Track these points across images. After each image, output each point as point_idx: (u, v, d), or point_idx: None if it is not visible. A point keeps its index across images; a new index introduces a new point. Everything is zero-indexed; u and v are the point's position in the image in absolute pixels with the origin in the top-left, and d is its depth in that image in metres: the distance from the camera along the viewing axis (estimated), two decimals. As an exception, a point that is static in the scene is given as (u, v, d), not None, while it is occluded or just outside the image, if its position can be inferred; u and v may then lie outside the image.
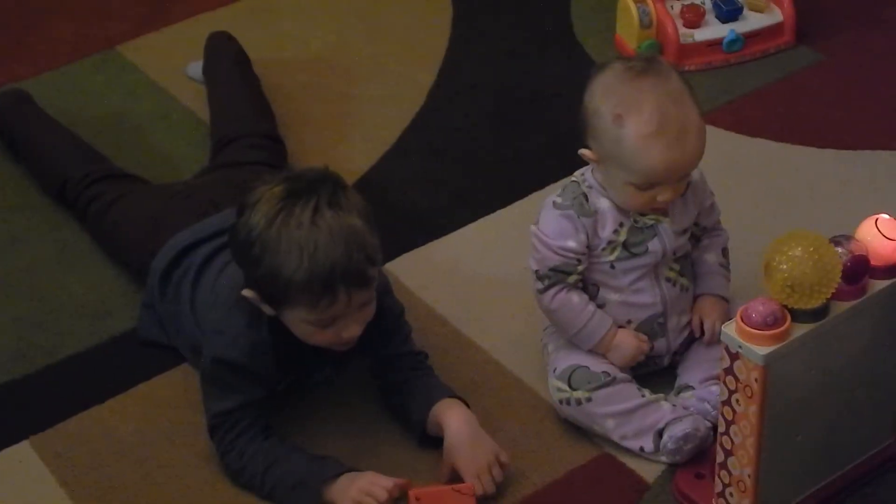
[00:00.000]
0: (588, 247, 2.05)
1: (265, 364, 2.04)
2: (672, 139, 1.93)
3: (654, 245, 2.05)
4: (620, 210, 2.03)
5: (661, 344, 2.13)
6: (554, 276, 2.07)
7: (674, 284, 2.11)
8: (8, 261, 2.48)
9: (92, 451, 2.11)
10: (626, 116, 1.94)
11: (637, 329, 2.11)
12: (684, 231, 2.08)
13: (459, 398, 2.08)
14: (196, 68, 2.82)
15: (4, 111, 2.70)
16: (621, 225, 2.04)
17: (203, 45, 2.82)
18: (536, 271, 2.08)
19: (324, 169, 2.01)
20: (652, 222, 2.04)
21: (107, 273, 2.42)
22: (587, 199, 2.04)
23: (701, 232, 2.14)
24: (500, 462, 1.98)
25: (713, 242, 2.14)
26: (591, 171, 2.05)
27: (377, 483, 1.95)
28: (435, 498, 1.96)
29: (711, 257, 2.14)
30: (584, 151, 2.03)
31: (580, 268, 2.06)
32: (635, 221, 2.04)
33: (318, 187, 1.93)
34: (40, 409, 2.18)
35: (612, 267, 2.07)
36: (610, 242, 2.04)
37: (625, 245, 2.05)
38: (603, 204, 2.04)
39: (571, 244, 2.04)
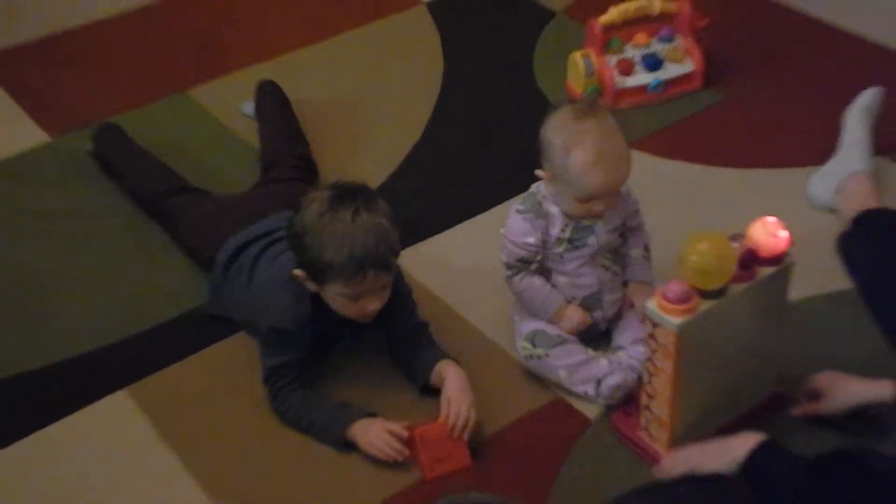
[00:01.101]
0: (543, 241, 2.07)
1: (305, 332, 2.06)
2: (607, 167, 1.97)
3: (591, 240, 2.08)
4: (566, 214, 2.06)
5: (598, 314, 2.16)
6: (519, 265, 2.10)
7: (607, 270, 2.14)
8: (105, 254, 2.48)
9: (175, 398, 2.13)
10: (573, 149, 1.96)
11: (581, 304, 2.14)
12: (614, 229, 2.11)
13: (455, 360, 2.10)
14: (249, 107, 2.82)
15: (103, 140, 2.70)
16: (567, 225, 2.07)
17: (254, 89, 2.81)
18: (506, 262, 2.11)
19: (362, 182, 2.05)
20: (590, 223, 2.07)
21: (182, 264, 2.42)
22: (542, 206, 2.07)
23: (628, 232, 2.16)
24: (474, 412, 2.00)
25: (637, 241, 2.17)
26: (545, 185, 2.08)
27: (389, 428, 1.98)
28: (433, 430, 1.97)
29: (637, 252, 2.17)
30: (539, 172, 2.06)
31: (538, 257, 2.09)
32: (577, 222, 2.07)
33: (358, 195, 1.97)
34: (134, 366, 2.19)
35: (561, 256, 2.10)
36: (559, 238, 2.07)
37: (570, 240, 2.08)
38: (553, 210, 2.07)
39: (531, 240, 2.07)
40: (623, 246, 2.17)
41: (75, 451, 2.05)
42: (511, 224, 2.09)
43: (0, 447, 2.05)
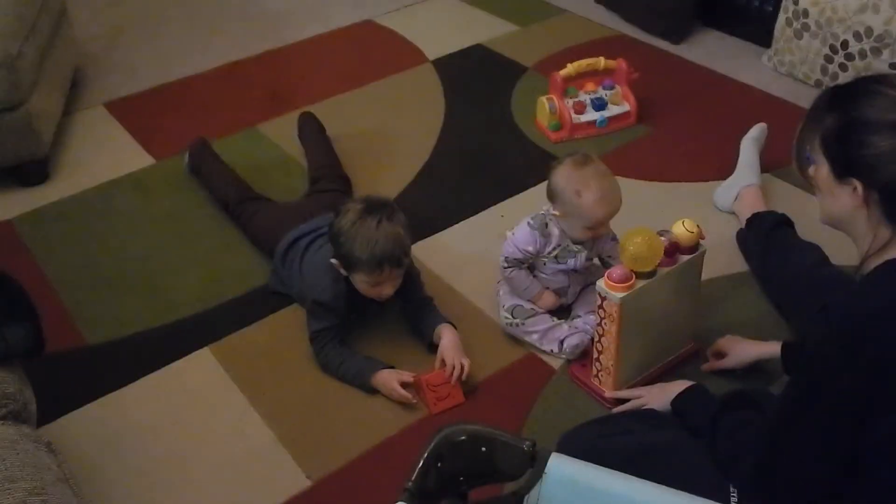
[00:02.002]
0: (538, 252, 2.02)
1: (341, 303, 2.02)
2: (608, 200, 1.93)
3: (571, 262, 2.03)
4: (562, 237, 2.00)
5: (564, 300, 2.11)
6: (514, 263, 2.04)
7: (576, 273, 2.08)
8: (195, 245, 2.44)
9: (248, 354, 2.10)
10: (582, 192, 1.92)
11: (554, 291, 2.09)
12: (591, 259, 2.06)
13: (452, 324, 2.05)
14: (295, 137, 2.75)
15: (196, 153, 2.63)
16: (559, 246, 2.01)
17: (297, 120, 2.78)
18: (506, 258, 2.05)
19: (386, 198, 2.02)
20: (576, 250, 2.02)
21: (250, 253, 2.38)
22: (547, 227, 2.01)
23: (608, 259, 2.09)
24: (465, 361, 1.95)
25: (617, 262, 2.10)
26: (556, 218, 2.00)
27: (400, 379, 1.94)
28: (435, 377, 1.94)
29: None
30: (552, 211, 1.99)
31: (530, 261, 2.03)
32: (567, 246, 2.01)
33: (383, 208, 1.93)
34: (216, 329, 2.16)
35: (545, 265, 2.04)
36: (549, 254, 2.02)
37: (556, 257, 2.02)
38: (555, 231, 2.01)
39: (530, 248, 2.01)
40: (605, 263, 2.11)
41: (170, 394, 2.02)
42: (519, 231, 2.03)
43: (114, 389, 2.03)
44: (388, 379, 1.94)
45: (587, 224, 1.95)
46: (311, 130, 2.73)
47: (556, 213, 1.99)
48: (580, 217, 1.94)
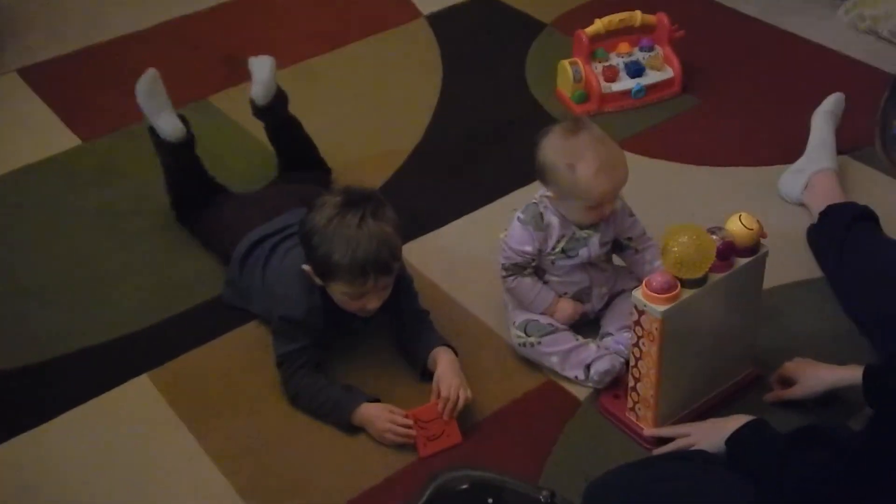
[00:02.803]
0: (540, 251, 2.02)
1: (316, 320, 2.02)
2: (609, 171, 1.92)
3: (583, 252, 2.02)
4: (564, 225, 2.00)
5: (588, 306, 2.11)
6: (513, 269, 2.04)
7: (597, 268, 2.08)
8: (132, 246, 2.44)
9: (192, 380, 2.09)
10: (577, 165, 1.91)
11: (572, 297, 2.09)
12: (606, 243, 2.05)
13: (450, 346, 2.05)
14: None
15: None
16: (563, 236, 2.01)
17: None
18: (503, 265, 2.05)
19: (372, 189, 2.00)
20: (586, 236, 2.01)
21: (201, 257, 2.37)
22: (542, 217, 2.00)
23: (632, 242, 2.09)
24: (464, 392, 1.95)
25: (648, 248, 2.10)
26: (551, 201, 2.01)
27: (393, 418, 1.93)
28: (425, 411, 1.94)
29: (649, 256, 2.09)
30: (545, 193, 1.99)
31: (533, 264, 2.03)
32: (574, 234, 2.01)
33: (366, 202, 1.93)
34: (157, 351, 2.15)
35: (553, 263, 2.04)
36: (553, 249, 2.01)
37: (563, 250, 2.02)
38: (553, 221, 2.00)
39: (528, 248, 2.01)
40: (635, 255, 2.10)
41: (101, 433, 2.01)
42: (512, 231, 2.04)
43: (31, 427, 2.02)
44: (377, 415, 1.94)
45: (589, 202, 1.95)
46: (278, 107, 2.68)
47: (551, 194, 1.98)
48: (579, 196, 1.94)
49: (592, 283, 2.08)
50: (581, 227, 2.01)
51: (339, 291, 1.97)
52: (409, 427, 1.92)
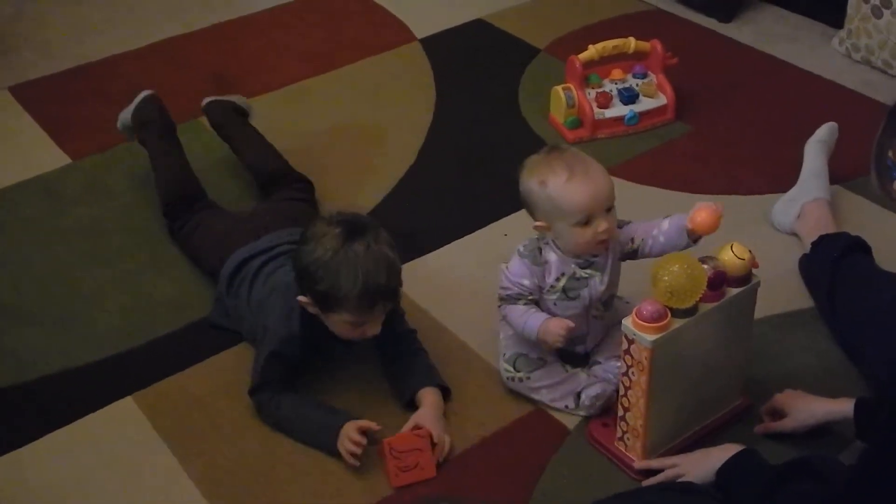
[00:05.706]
0: (539, 287, 1.99)
1: (292, 351, 2.01)
2: (583, 178, 1.89)
3: (584, 293, 1.98)
4: (564, 263, 1.97)
5: (580, 348, 2.08)
6: (509, 299, 2.01)
7: (596, 318, 2.05)
8: (118, 264, 2.43)
9: (177, 403, 2.08)
10: (547, 180, 1.90)
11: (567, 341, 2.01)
12: (611, 283, 2.01)
13: (438, 379, 2.04)
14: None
15: (144, 120, 2.58)
16: (563, 274, 1.97)
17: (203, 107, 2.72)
18: (500, 294, 2.02)
19: (366, 216, 2.01)
20: (587, 276, 1.98)
21: (188, 277, 2.37)
22: (541, 253, 1.98)
23: (642, 244, 2.00)
24: (443, 440, 1.94)
25: (651, 229, 2.00)
26: (547, 234, 1.98)
27: (358, 426, 1.92)
28: (401, 441, 1.92)
29: (666, 222, 1.99)
30: (536, 225, 1.97)
31: (530, 297, 1.99)
32: (574, 274, 1.97)
33: (366, 230, 1.92)
34: (140, 374, 2.14)
35: (555, 304, 2.00)
36: (552, 287, 1.98)
37: (563, 290, 1.98)
38: (552, 257, 1.97)
39: (526, 282, 1.98)
40: (656, 227, 1.99)
41: (82, 456, 1.99)
42: (511, 263, 2.01)
43: (10, 450, 2.00)
44: (346, 430, 1.92)
45: (574, 219, 1.89)
46: (232, 123, 2.67)
47: (540, 223, 1.95)
48: (560, 214, 1.90)
49: (589, 333, 2.06)
50: (582, 267, 1.98)
51: (340, 321, 1.95)
52: (357, 444, 1.89)
